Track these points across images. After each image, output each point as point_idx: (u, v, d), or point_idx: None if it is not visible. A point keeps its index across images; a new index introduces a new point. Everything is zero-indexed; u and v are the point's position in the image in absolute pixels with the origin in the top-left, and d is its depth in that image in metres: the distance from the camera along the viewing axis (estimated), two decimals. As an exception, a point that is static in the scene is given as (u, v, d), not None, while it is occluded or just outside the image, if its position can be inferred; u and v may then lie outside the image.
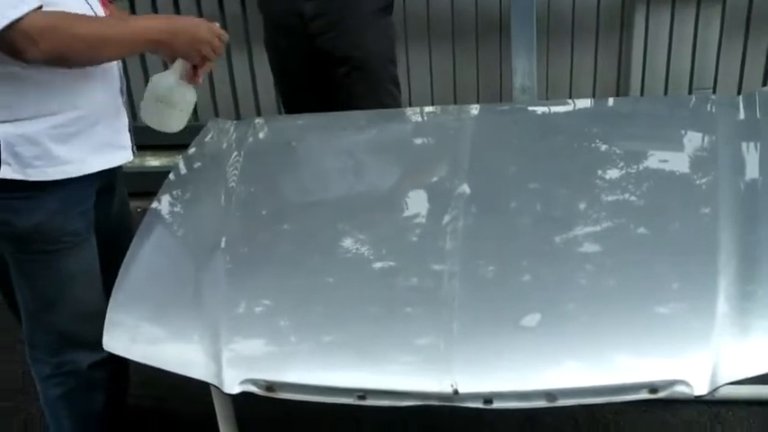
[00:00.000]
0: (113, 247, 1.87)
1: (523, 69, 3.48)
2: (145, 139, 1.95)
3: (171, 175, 2.08)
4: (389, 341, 1.50)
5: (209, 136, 2.27)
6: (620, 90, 3.72)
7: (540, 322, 1.48)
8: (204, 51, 1.77)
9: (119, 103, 1.84)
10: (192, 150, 2.21)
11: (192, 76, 1.83)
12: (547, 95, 3.66)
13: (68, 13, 1.60)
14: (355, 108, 2.53)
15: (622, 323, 1.47)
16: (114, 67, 1.81)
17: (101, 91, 1.76)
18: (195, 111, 1.92)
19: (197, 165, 2.17)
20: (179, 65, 1.82)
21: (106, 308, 1.66)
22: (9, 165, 1.65)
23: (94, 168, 1.77)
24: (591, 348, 1.43)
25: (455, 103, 3.69)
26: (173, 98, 1.84)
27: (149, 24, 1.74)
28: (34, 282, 1.79)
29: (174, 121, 1.88)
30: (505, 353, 1.44)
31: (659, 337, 1.43)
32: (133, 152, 1.90)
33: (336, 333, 1.54)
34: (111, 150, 1.82)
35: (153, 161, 3.79)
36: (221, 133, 2.29)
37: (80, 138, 1.72)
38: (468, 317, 1.51)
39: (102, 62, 1.72)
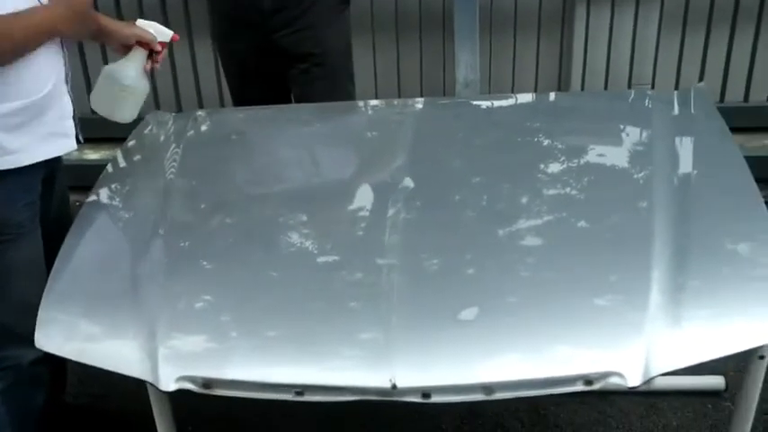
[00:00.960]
0: (55, 239, 1.83)
1: (466, 62, 3.50)
2: (84, 131, 1.91)
3: (108, 168, 2.05)
4: (329, 336, 1.50)
5: (149, 128, 2.24)
6: (562, 84, 3.77)
7: (478, 315, 1.48)
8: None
9: (64, 91, 1.82)
10: (130, 143, 2.17)
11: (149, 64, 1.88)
12: (489, 89, 3.69)
13: None
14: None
15: (559, 315, 1.49)
16: (60, 54, 1.79)
17: (48, 79, 1.74)
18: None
19: (135, 157, 2.13)
20: (138, 54, 1.85)
21: None
22: None
23: (41, 157, 1.76)
24: (527, 341, 1.44)
25: (399, 96, 3.70)
26: (133, 86, 1.87)
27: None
28: None
29: (128, 110, 1.90)
30: (443, 346, 1.45)
31: (594, 329, 1.45)
32: (78, 140, 1.87)
33: (275, 328, 1.53)
34: (58, 139, 1.80)
35: (92, 154, 3.72)
36: (160, 126, 2.25)
37: (28, 126, 1.71)
38: (406, 310, 1.51)
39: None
